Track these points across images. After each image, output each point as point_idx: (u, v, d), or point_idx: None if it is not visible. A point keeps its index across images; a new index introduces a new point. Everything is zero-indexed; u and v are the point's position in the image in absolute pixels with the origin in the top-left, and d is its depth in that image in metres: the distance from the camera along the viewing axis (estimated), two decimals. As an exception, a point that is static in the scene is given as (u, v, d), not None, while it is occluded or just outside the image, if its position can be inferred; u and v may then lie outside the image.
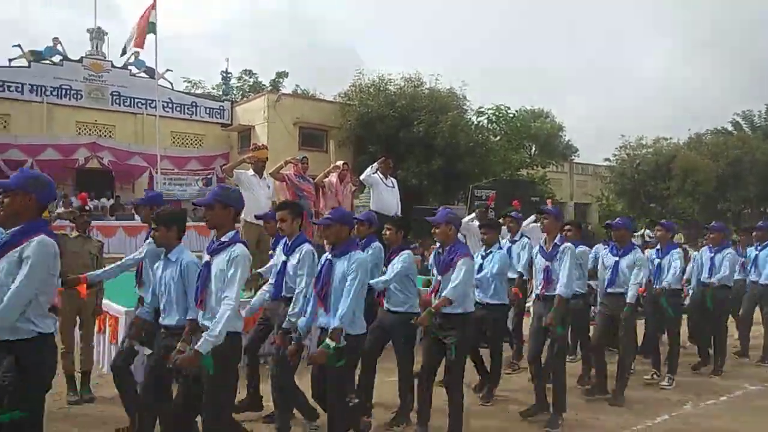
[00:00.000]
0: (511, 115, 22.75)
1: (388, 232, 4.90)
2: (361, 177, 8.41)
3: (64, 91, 19.57)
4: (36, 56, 19.47)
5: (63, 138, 19.26)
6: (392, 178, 8.67)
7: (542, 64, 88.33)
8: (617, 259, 5.62)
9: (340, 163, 8.52)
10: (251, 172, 7.52)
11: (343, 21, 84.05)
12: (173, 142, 21.71)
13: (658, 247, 6.45)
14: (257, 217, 6.49)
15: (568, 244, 5.05)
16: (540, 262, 5.13)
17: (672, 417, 5.38)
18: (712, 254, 6.90)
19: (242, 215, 7.41)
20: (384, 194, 8.36)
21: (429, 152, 19.07)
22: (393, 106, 19.68)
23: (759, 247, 7.46)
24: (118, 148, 19.98)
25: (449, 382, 4.36)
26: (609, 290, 5.67)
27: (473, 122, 21.66)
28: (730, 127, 33.48)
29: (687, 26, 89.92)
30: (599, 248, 6.45)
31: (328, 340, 3.65)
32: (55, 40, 19.90)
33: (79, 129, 20.18)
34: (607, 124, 71.18)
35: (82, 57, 20.23)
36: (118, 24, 50.95)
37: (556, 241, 5.02)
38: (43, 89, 19.27)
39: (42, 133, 18.98)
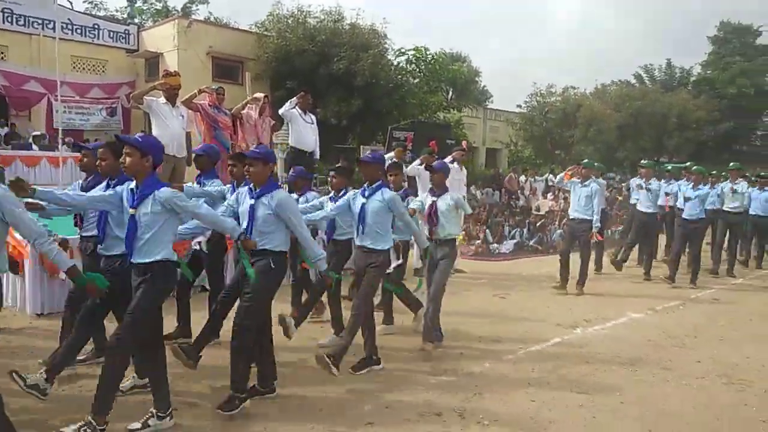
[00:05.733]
0: (430, 57, 22.76)
1: (334, 180, 5.54)
2: (280, 111, 8.33)
3: (-56, 4, 17.55)
4: None
5: (-54, 58, 17.46)
6: (311, 114, 8.64)
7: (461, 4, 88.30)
8: (435, 199, 5.56)
9: (260, 95, 8.37)
10: (163, 100, 7.21)
11: (260, -53, 79.30)
12: (74, 68, 20.10)
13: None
14: None
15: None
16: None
17: (563, 339, 5.94)
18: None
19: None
20: (303, 130, 8.35)
21: (349, 91, 18.83)
22: (312, 41, 19.12)
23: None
24: (12, 71, 18.28)
25: None
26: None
27: (393, 63, 21.52)
28: (632, 80, 35.29)
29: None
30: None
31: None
32: (-69, -57, 17.68)
33: (-35, 49, 18.29)
34: (522, 70, 72.77)
35: (-36, -34, 18.13)
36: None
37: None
38: None
39: None
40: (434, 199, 5.53)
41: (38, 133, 17.57)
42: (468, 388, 4.51)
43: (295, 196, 5.69)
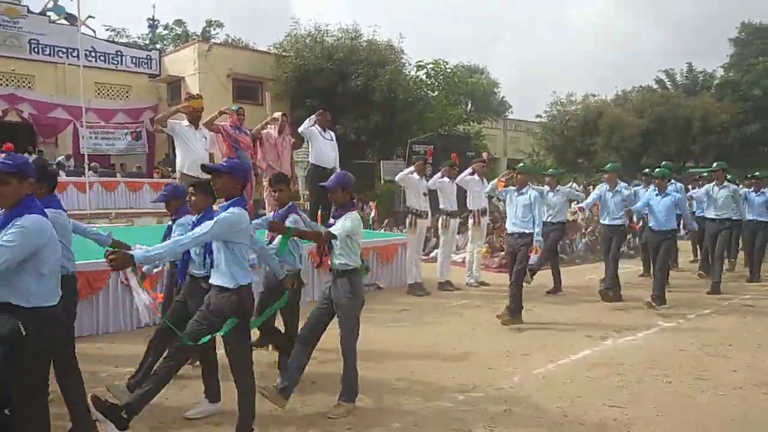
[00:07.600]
0: (449, 70, 22.85)
1: (193, 198, 4.23)
2: (299, 129, 8.40)
3: (-25, 38, 18.13)
4: (-59, -2, 17.93)
5: (-23, 89, 18.01)
6: (330, 131, 8.70)
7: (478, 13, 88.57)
8: (332, 221, 4.51)
9: (278, 114, 8.45)
10: (186, 122, 7.30)
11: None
12: (98, 94, 20.63)
13: None
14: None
15: None
16: None
17: (593, 351, 5.82)
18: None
19: (178, 167, 7.32)
20: (322, 147, 8.39)
21: (367, 107, 18.99)
22: (330, 59, 19.35)
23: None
24: (39, 99, 18.85)
25: None
26: None
27: (411, 76, 21.64)
28: (654, 85, 34.85)
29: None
30: None
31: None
32: (-38, -19, 18.32)
33: (-5, 79, 18.85)
34: (539, 80, 72.50)
35: (-7, 1, 18.72)
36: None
37: None
38: (-49, 35, 17.82)
39: (-48, 83, 17.67)
40: (331, 220, 4.37)
41: (61, 158, 18.00)
42: (498, 404, 4.43)
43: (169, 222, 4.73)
